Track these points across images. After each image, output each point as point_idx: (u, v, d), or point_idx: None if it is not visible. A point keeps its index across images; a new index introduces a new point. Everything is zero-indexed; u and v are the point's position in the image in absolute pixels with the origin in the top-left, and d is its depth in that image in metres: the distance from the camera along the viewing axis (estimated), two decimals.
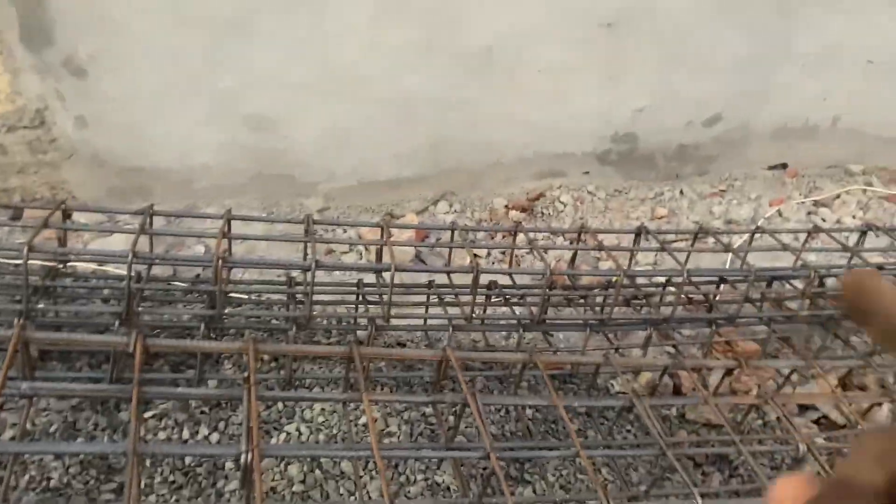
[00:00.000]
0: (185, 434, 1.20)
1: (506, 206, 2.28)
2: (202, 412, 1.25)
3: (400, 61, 2.01)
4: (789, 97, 2.32)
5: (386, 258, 1.39)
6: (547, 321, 1.43)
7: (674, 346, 1.72)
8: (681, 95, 2.25)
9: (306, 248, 1.37)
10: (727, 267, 1.85)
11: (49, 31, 1.84)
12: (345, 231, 2.18)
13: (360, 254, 2.09)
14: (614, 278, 1.55)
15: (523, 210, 2.27)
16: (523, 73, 2.10)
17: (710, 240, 1.88)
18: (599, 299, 1.64)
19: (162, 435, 1.18)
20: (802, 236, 1.75)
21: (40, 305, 1.12)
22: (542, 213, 2.28)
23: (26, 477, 1.03)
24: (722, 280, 1.71)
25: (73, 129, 2.02)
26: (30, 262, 1.08)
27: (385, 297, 1.34)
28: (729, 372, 1.48)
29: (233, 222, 1.44)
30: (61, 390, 0.87)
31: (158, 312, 1.26)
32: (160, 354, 1.32)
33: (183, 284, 1.44)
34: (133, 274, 1.15)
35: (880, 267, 1.76)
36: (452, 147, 2.24)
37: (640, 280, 1.70)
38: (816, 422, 1.75)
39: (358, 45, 1.96)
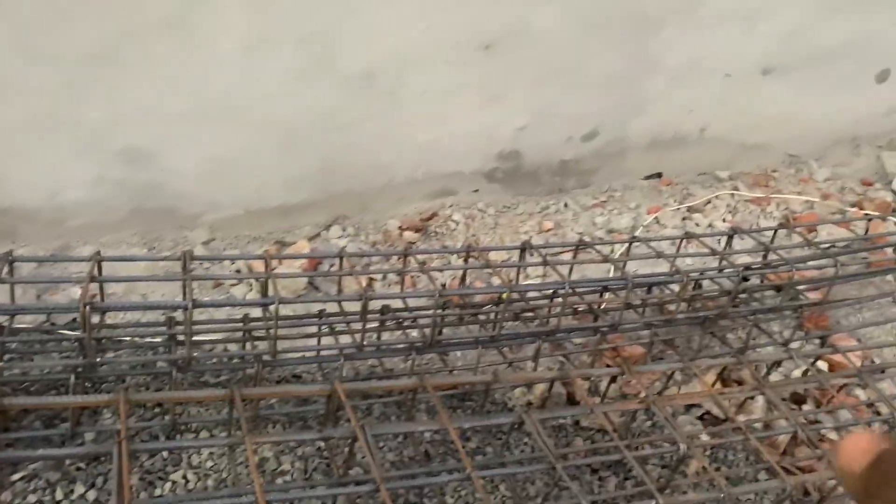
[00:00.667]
0: (59, 494, 1.12)
1: (399, 228, 2.29)
2: (78, 468, 1.18)
3: (278, 88, 1.98)
4: (659, 110, 2.46)
5: (271, 291, 1.36)
6: (440, 342, 1.44)
7: (564, 357, 1.77)
8: (559, 112, 2.34)
9: (185, 286, 1.32)
10: (610, 276, 1.92)
11: None
12: (232, 263, 2.11)
13: (251, 285, 2.03)
14: (503, 294, 1.59)
15: (417, 230, 2.28)
16: (406, 96, 2.12)
17: (592, 251, 1.96)
18: (491, 315, 1.67)
19: (32, 498, 1.10)
20: (677, 243, 1.86)
21: None
22: (436, 233, 2.30)
23: None
24: (605, 289, 1.79)
25: None
26: None
27: (272, 332, 1.31)
28: (614, 378, 1.54)
29: (112, 262, 1.37)
30: None
31: (24, 366, 1.18)
32: (29, 410, 1.24)
33: (54, 334, 1.35)
34: None
35: (748, 267, 1.88)
36: (341, 171, 2.23)
37: (529, 294, 1.74)
38: (700, 417, 1.85)
39: (232, 73, 1.92)
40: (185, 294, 1.34)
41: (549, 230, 2.33)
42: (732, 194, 2.55)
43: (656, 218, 2.40)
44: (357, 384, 1.11)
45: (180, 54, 1.86)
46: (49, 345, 1.40)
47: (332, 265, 2.13)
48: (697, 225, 2.39)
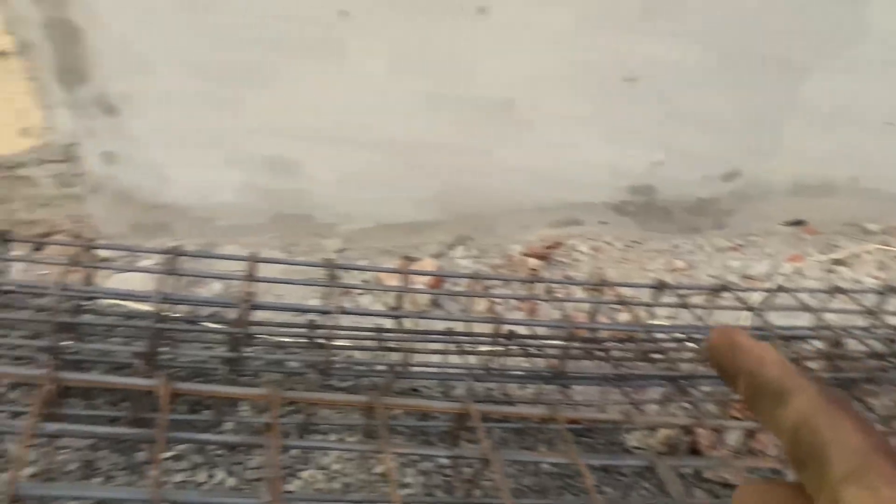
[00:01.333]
0: (202, 477, 1.19)
1: (523, 254, 2.29)
2: (218, 455, 1.24)
3: (415, 109, 2.04)
4: (806, 155, 2.33)
5: (405, 304, 1.40)
6: (566, 374, 1.42)
7: (691, 403, 1.70)
8: (698, 149, 2.27)
9: (329, 293, 1.38)
10: (747, 325, 1.83)
11: (83, 69, 1.89)
12: (361, 272, 2.18)
13: (377, 296, 2.09)
14: (634, 333, 1.55)
15: (541, 258, 2.27)
16: (540, 123, 2.13)
17: (729, 296, 1.88)
18: (618, 353, 1.63)
19: (178, 477, 1.18)
20: (822, 296, 1.75)
21: (65, 343, 1.13)
22: (560, 262, 2.29)
23: None
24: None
25: (100, 164, 2.06)
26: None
27: (404, 344, 1.34)
28: (751, 433, 1.46)
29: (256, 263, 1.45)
30: (87, 433, 0.87)
31: (180, 353, 1.26)
32: (179, 394, 1.32)
33: (213, 325, 1.45)
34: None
35: None
36: (468, 193, 2.26)
37: (658, 335, 1.69)
38: None
39: (379, 94, 2.00)
40: (326, 300, 1.39)
41: (679, 270, 2.26)
42: (883, 249, 2.38)
43: (797, 268, 2.27)
44: (491, 407, 1.12)
45: (332, 74, 1.96)
46: (193, 334, 1.50)
47: (455, 284, 2.16)
48: (843, 279, 2.24)
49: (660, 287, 1.59)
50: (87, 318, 1.39)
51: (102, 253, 2.12)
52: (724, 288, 1.65)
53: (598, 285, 1.61)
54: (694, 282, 2.23)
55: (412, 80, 1.99)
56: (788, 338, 1.78)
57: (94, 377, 0.95)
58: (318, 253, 2.26)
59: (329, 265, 1.40)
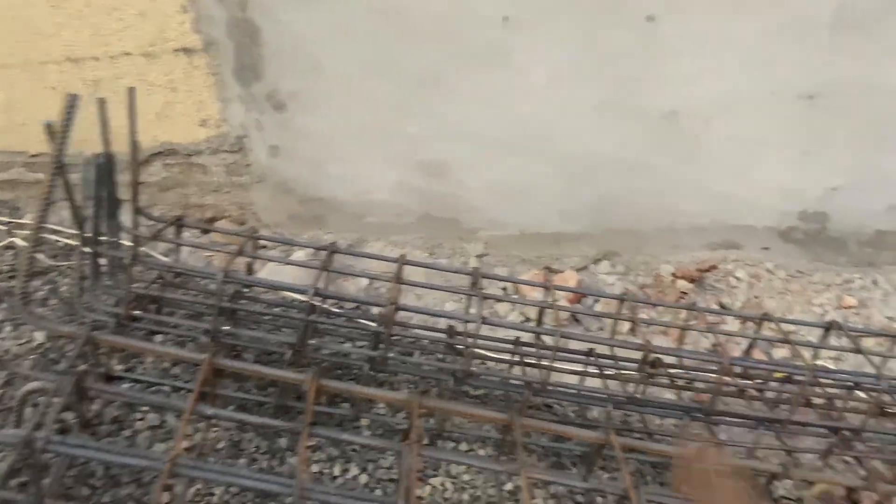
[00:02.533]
0: (336, 471, 1.22)
1: (673, 275, 2.17)
2: (353, 450, 1.27)
3: (580, 120, 1.99)
4: None
5: (548, 319, 1.36)
6: (716, 412, 1.32)
7: (856, 459, 1.53)
8: (884, 177, 2.04)
9: (470, 301, 1.37)
10: None
11: (259, 66, 2.01)
12: (505, 288, 2.17)
13: (514, 307, 2.06)
14: (798, 376, 1.42)
15: (692, 280, 2.14)
16: (709, 141, 2.01)
17: None
18: (774, 393, 1.50)
19: (314, 468, 1.21)
20: None
21: (225, 328, 1.19)
22: (713, 287, 2.14)
23: (192, 490, 1.09)
24: None
25: (266, 156, 2.18)
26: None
27: (544, 361, 1.30)
28: None
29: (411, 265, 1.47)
30: (240, 420, 0.92)
31: (327, 347, 1.30)
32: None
33: (361, 322, 1.49)
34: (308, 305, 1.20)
35: None
36: (620, 208, 2.18)
37: (823, 379, 1.54)
38: None
39: (539, 101, 1.97)
40: (468, 307, 1.39)
41: (849, 307, 2.04)
42: None
43: None
44: (634, 442, 1.05)
45: (494, 80, 1.95)
46: (342, 330, 1.55)
47: (596, 301, 2.09)
48: None
49: (829, 327, 1.44)
50: (245, 304, 1.47)
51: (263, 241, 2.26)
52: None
53: (757, 319, 1.49)
54: (867, 322, 2.01)
55: (573, 87, 1.94)
56: None
57: (248, 366, 1.00)
58: (460, 256, 2.27)
59: (474, 273, 1.39)
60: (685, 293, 2.10)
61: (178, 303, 1.36)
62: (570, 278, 2.10)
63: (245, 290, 1.44)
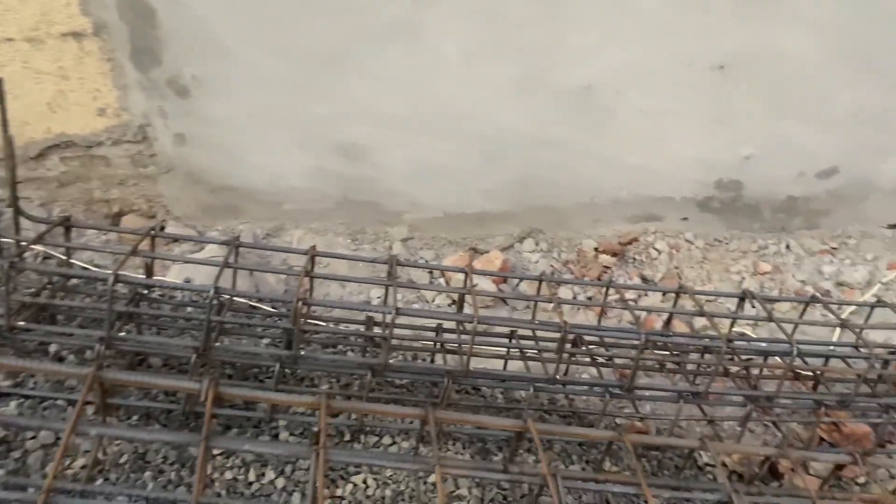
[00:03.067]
0: (251, 476, 1.17)
1: (595, 250, 2.18)
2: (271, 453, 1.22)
3: (494, 98, 1.96)
4: None
5: (467, 307, 1.33)
6: (637, 388, 1.32)
7: (774, 424, 1.57)
8: (794, 144, 2.09)
9: (387, 291, 1.33)
10: (840, 341, 1.68)
11: (157, 50, 1.89)
12: (426, 262, 2.13)
13: (439, 282, 2.03)
14: (713, 347, 1.44)
15: (614, 254, 2.16)
16: (623, 114, 2.01)
17: (825, 311, 1.72)
18: (694, 366, 1.52)
19: (228, 475, 1.16)
20: None
21: (122, 333, 1.12)
22: (634, 259, 2.17)
23: None
24: (833, 356, 1.56)
25: (173, 145, 2.07)
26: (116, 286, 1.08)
27: (465, 347, 1.28)
28: (840, 466, 1.34)
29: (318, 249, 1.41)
30: (130, 437, 0.85)
31: (234, 349, 1.23)
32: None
33: (268, 309, 1.42)
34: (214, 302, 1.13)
35: None
36: (542, 185, 2.17)
37: (740, 345, 1.57)
38: None
39: (451, 79, 1.92)
40: (386, 299, 1.34)
41: (765, 273, 2.10)
42: None
43: None
44: (551, 427, 1.04)
45: (404, 58, 1.89)
46: (257, 329, 1.48)
47: (521, 279, 2.08)
48: None
49: (743, 297, 1.46)
50: (147, 307, 1.39)
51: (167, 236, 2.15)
52: (816, 299, 1.50)
53: (674, 291, 1.50)
54: (782, 287, 2.07)
55: (487, 64, 1.91)
56: (886, 357, 1.62)
57: (136, 377, 0.93)
58: (384, 241, 2.22)
59: (390, 261, 1.34)
60: (608, 267, 2.11)
61: (73, 310, 1.27)
62: (495, 258, 2.08)
63: (146, 291, 1.35)
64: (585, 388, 1.33)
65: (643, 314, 1.78)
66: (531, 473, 0.95)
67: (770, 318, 1.35)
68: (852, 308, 1.93)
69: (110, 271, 1.09)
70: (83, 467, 1.05)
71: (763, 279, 2.09)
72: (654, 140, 2.07)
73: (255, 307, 1.61)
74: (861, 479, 1.59)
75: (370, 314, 1.39)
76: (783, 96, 2.00)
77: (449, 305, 2.00)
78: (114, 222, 2.21)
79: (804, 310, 1.49)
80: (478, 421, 1.00)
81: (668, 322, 1.47)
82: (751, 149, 2.10)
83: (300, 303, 1.11)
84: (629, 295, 1.79)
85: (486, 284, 1.99)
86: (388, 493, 1.18)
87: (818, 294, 2.00)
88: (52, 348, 1.30)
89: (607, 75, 1.95)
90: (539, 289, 1.41)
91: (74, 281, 1.38)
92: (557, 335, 1.26)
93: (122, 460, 1.13)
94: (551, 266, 2.13)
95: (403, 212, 2.23)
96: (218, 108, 1.99)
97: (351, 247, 2.19)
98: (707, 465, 1.63)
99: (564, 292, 2.04)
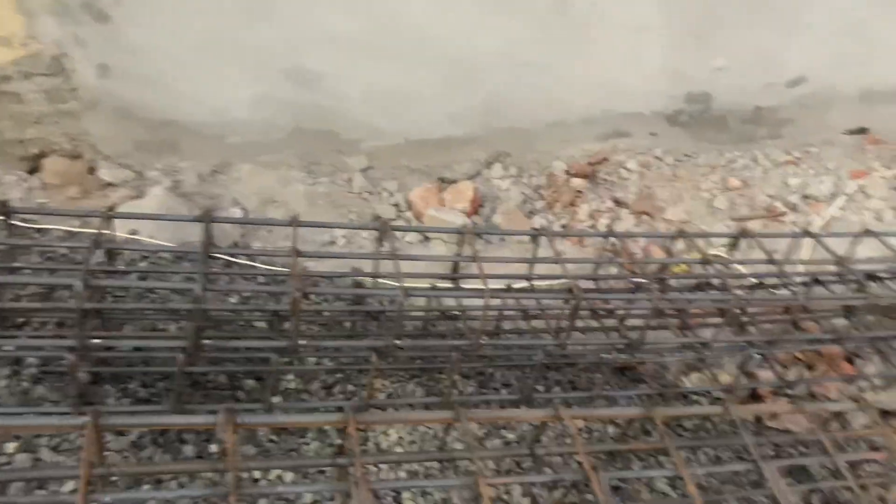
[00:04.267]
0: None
1: (566, 172, 2.10)
2: None
3: (460, 16, 1.78)
4: (882, 60, 2.09)
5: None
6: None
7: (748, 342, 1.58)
8: (766, 55, 2.03)
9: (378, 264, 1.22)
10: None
11: None
12: (391, 195, 2.01)
13: (406, 216, 1.93)
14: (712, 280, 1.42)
15: (584, 176, 2.09)
16: (598, 29, 1.88)
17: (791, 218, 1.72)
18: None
19: None
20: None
21: (94, 341, 0.98)
22: (605, 180, 2.11)
23: None
24: (816, 281, 1.57)
25: (96, 78, 1.81)
26: None
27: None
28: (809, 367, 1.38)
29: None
30: None
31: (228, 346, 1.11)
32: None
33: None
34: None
35: None
36: (510, 106, 2.04)
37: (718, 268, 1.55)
38: None
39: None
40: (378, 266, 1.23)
41: (734, 188, 2.08)
42: None
43: (861, 185, 2.10)
44: (583, 412, 1.00)
45: None
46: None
47: (493, 211, 1.99)
48: None
49: (738, 236, 1.43)
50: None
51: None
52: (808, 234, 1.49)
53: (674, 237, 1.45)
54: (751, 202, 2.06)
55: None
56: (864, 278, 1.65)
57: (149, 420, 0.82)
58: (342, 172, 2.06)
59: (382, 227, 1.22)
60: (580, 192, 2.05)
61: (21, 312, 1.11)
62: (464, 189, 1.98)
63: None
64: (594, 348, 1.29)
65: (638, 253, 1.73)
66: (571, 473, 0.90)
67: (771, 260, 1.33)
68: (824, 222, 1.96)
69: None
70: None
71: (733, 195, 2.07)
72: (627, 55, 1.96)
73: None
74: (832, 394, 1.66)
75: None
76: (758, 6, 1.91)
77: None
78: (32, 165, 1.96)
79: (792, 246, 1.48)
80: (507, 416, 0.94)
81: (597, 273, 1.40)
82: (723, 60, 2.02)
83: (299, 294, 0.99)
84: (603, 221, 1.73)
85: (452, 217, 1.90)
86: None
87: (777, 204, 2.01)
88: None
89: None
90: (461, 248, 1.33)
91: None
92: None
93: None
94: (523, 193, 2.05)
95: (361, 140, 2.07)
96: (146, 35, 1.73)
97: (307, 180, 2.03)
98: (691, 392, 1.65)
99: (539, 220, 1.97)
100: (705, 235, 1.67)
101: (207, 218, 1.13)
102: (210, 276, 1.06)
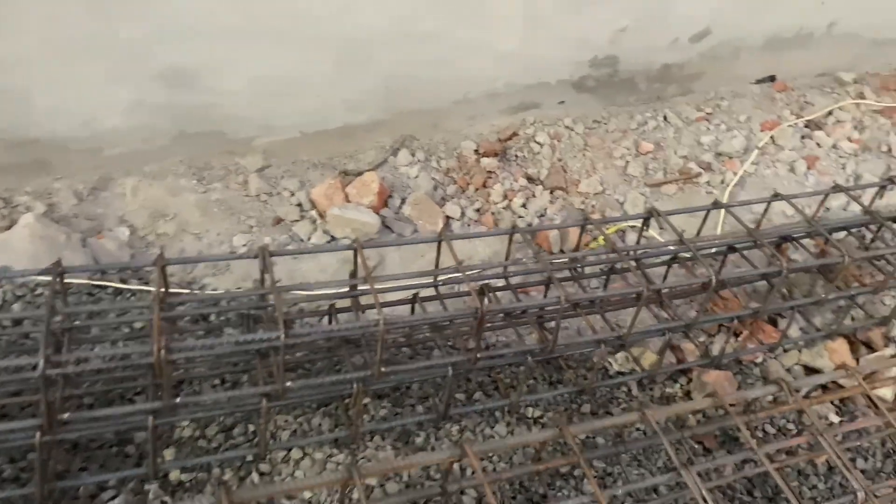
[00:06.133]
0: None
1: (476, 152, 2.01)
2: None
3: None
4: (787, 4, 2.05)
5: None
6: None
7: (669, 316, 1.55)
8: (669, 10, 1.96)
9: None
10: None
11: None
12: (292, 194, 1.88)
13: (310, 214, 1.81)
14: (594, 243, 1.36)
15: (495, 154, 2.00)
16: None
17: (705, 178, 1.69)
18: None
19: None
20: (819, 196, 1.58)
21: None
22: (517, 157, 2.02)
23: None
24: (731, 249, 1.54)
25: None
26: None
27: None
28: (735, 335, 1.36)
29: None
30: None
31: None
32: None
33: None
34: None
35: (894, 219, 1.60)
36: (412, 86, 1.92)
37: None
38: (824, 387, 1.66)
39: None
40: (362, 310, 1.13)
41: (647, 153, 2.03)
42: (858, 104, 2.19)
43: (772, 137, 2.07)
44: (584, 426, 0.93)
45: None
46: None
47: (403, 201, 1.89)
48: (820, 145, 2.07)
49: (649, 216, 1.37)
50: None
51: None
52: (717, 204, 1.44)
53: (582, 224, 1.39)
54: (665, 165, 2.01)
55: None
56: (779, 240, 1.63)
57: None
58: (236, 175, 1.91)
59: (262, 252, 1.11)
60: (491, 172, 1.96)
61: None
62: (369, 182, 1.86)
63: None
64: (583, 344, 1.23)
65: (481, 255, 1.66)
66: None
67: (681, 241, 1.27)
68: (734, 182, 1.94)
69: None
70: None
71: (646, 160, 2.02)
72: (526, 22, 1.85)
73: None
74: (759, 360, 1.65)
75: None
76: None
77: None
78: None
79: (705, 217, 1.43)
80: (406, 465, 0.86)
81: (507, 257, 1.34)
82: (625, 21, 1.94)
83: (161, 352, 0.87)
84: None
85: (358, 214, 1.78)
86: None
87: (691, 166, 1.98)
88: None
89: None
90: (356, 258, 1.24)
91: None
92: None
93: None
94: (433, 179, 1.94)
95: (254, 138, 1.92)
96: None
97: (198, 188, 1.88)
98: (618, 372, 1.61)
99: (452, 207, 1.87)
100: (612, 220, 1.61)
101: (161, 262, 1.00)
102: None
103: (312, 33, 1.71)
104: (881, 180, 1.64)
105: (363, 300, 1.19)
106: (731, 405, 1.09)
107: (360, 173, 1.91)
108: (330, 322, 1.23)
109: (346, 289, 1.11)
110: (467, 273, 1.13)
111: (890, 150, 2.08)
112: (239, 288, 1.66)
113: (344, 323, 1.02)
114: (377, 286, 1.04)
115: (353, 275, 1.14)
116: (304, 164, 1.97)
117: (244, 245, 1.80)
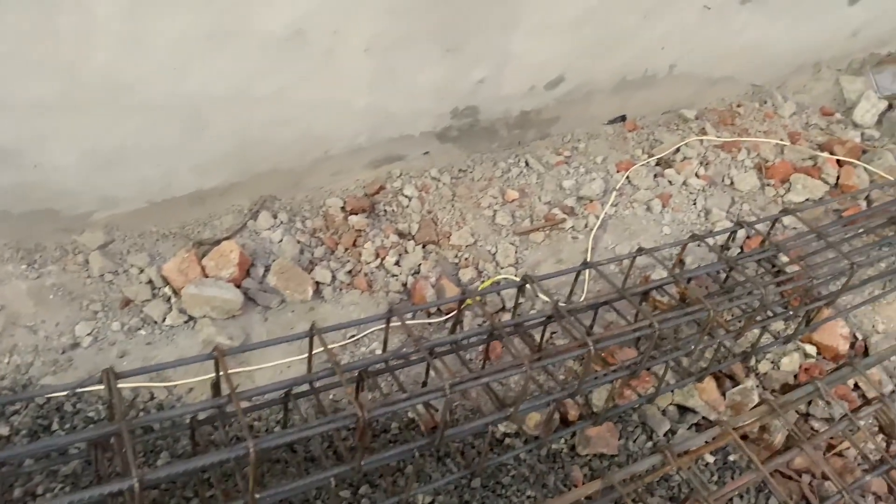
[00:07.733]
0: None
1: (343, 209, 1.93)
2: None
3: (177, 56, 1.51)
4: (632, 48, 2.15)
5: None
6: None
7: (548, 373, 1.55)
8: (524, 60, 1.98)
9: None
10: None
11: None
12: (141, 271, 1.71)
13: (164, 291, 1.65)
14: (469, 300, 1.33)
15: (363, 211, 1.93)
16: (344, 54, 1.70)
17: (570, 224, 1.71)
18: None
19: None
20: (679, 246, 1.65)
21: None
22: (386, 212, 1.96)
23: None
24: (605, 303, 1.57)
25: None
26: None
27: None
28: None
29: None
30: None
31: None
32: None
33: None
34: None
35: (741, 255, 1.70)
36: (264, 147, 1.81)
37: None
38: (697, 425, 1.72)
39: (114, 43, 1.43)
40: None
41: (513, 201, 2.04)
42: (701, 140, 2.33)
43: (628, 178, 2.15)
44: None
45: (44, 26, 1.34)
46: None
47: (267, 270, 1.77)
48: (671, 183, 2.17)
49: (524, 283, 1.36)
50: None
51: None
52: (586, 265, 1.46)
53: (388, 318, 1.34)
54: (532, 212, 2.03)
55: (167, 20, 1.43)
56: (642, 294, 1.68)
57: None
58: (75, 254, 1.72)
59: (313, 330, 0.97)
60: (360, 230, 1.89)
61: None
62: (227, 251, 1.73)
63: None
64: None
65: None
66: None
67: (555, 305, 1.27)
68: (597, 226, 1.99)
69: None
70: None
71: (513, 207, 2.03)
72: (383, 77, 1.80)
73: None
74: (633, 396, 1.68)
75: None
76: (509, 11, 1.84)
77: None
78: None
79: (576, 276, 1.44)
80: None
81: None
82: (483, 72, 1.94)
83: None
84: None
85: (217, 290, 1.65)
86: None
87: (555, 212, 2.01)
88: None
89: (316, 14, 1.59)
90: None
91: None
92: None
93: None
94: (298, 242, 1.84)
95: (92, 212, 1.73)
96: None
97: (29, 273, 1.66)
98: (505, 434, 1.59)
99: (322, 272, 1.78)
100: (488, 292, 1.60)
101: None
102: None
103: (143, 100, 1.56)
104: (732, 224, 1.74)
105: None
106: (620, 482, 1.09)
107: (217, 242, 1.78)
108: (193, 437, 1.11)
109: (210, 407, 0.99)
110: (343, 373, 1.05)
111: (732, 182, 2.23)
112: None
113: (208, 455, 0.91)
114: (243, 404, 0.94)
115: (216, 387, 1.03)
116: (153, 236, 1.80)
117: (88, 334, 1.61)
